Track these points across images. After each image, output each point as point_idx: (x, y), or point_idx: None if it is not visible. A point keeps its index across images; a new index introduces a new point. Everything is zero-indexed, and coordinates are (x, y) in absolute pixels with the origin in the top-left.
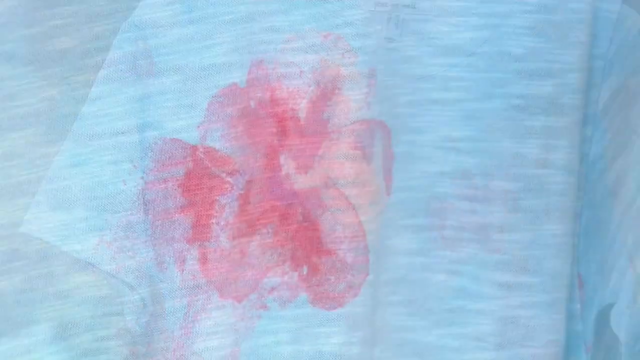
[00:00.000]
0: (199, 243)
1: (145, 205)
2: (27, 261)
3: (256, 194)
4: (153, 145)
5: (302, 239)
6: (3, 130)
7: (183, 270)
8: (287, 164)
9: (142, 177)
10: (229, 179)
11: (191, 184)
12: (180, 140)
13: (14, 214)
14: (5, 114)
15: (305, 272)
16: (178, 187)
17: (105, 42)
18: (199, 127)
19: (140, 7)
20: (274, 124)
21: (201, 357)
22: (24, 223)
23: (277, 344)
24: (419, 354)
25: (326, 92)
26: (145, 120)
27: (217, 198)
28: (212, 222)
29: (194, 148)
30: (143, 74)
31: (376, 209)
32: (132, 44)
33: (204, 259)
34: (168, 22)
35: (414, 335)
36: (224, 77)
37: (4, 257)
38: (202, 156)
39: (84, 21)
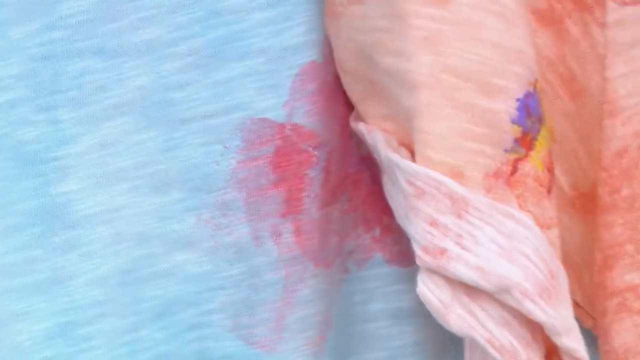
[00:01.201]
0: (292, 216)
1: (239, 183)
2: (130, 243)
3: (335, 163)
4: (242, 125)
5: (372, 201)
6: (98, 120)
7: (279, 244)
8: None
9: (234, 157)
10: (315, 152)
11: (281, 160)
12: (268, 119)
13: (114, 200)
14: (98, 105)
15: (377, 233)
16: (269, 164)
17: (189, 30)
18: (284, 105)
19: None
20: (343, 94)
21: (302, 324)
22: (125, 208)
23: (358, 304)
24: None
25: None
26: (232, 102)
27: (307, 172)
28: (303, 195)
29: (281, 126)
30: (227, 59)
31: None
32: (215, 30)
33: (298, 232)
34: (247, 7)
35: None
36: (304, 56)
37: (107, 241)
38: (290, 133)
39: (167, 11)
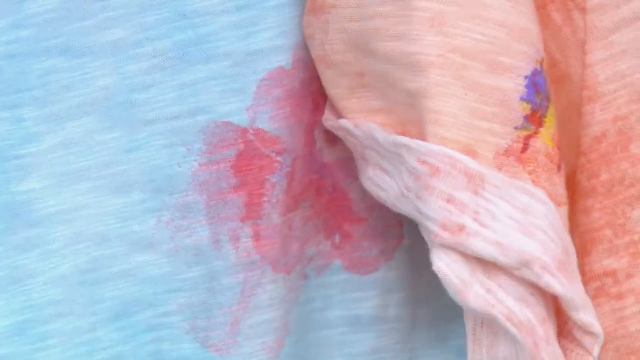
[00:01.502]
0: (251, 221)
1: (200, 186)
2: (90, 243)
3: (299, 170)
4: (205, 128)
5: (333, 208)
6: (61, 119)
7: (238, 248)
8: (319, 138)
9: (196, 160)
10: (278, 158)
11: (242, 164)
12: (231, 123)
13: (75, 199)
14: (62, 104)
15: (337, 240)
16: (230, 168)
17: (156, 31)
18: (248, 109)
19: None
20: (311, 101)
21: (258, 329)
22: (86, 207)
23: (317, 310)
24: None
25: None
26: (196, 105)
27: (268, 177)
28: (264, 201)
29: (244, 130)
30: (193, 61)
31: None
32: (182, 32)
33: (257, 236)
34: (215, 10)
35: None
36: (270, 61)
37: (67, 240)
38: (252, 138)
39: (135, 12)
